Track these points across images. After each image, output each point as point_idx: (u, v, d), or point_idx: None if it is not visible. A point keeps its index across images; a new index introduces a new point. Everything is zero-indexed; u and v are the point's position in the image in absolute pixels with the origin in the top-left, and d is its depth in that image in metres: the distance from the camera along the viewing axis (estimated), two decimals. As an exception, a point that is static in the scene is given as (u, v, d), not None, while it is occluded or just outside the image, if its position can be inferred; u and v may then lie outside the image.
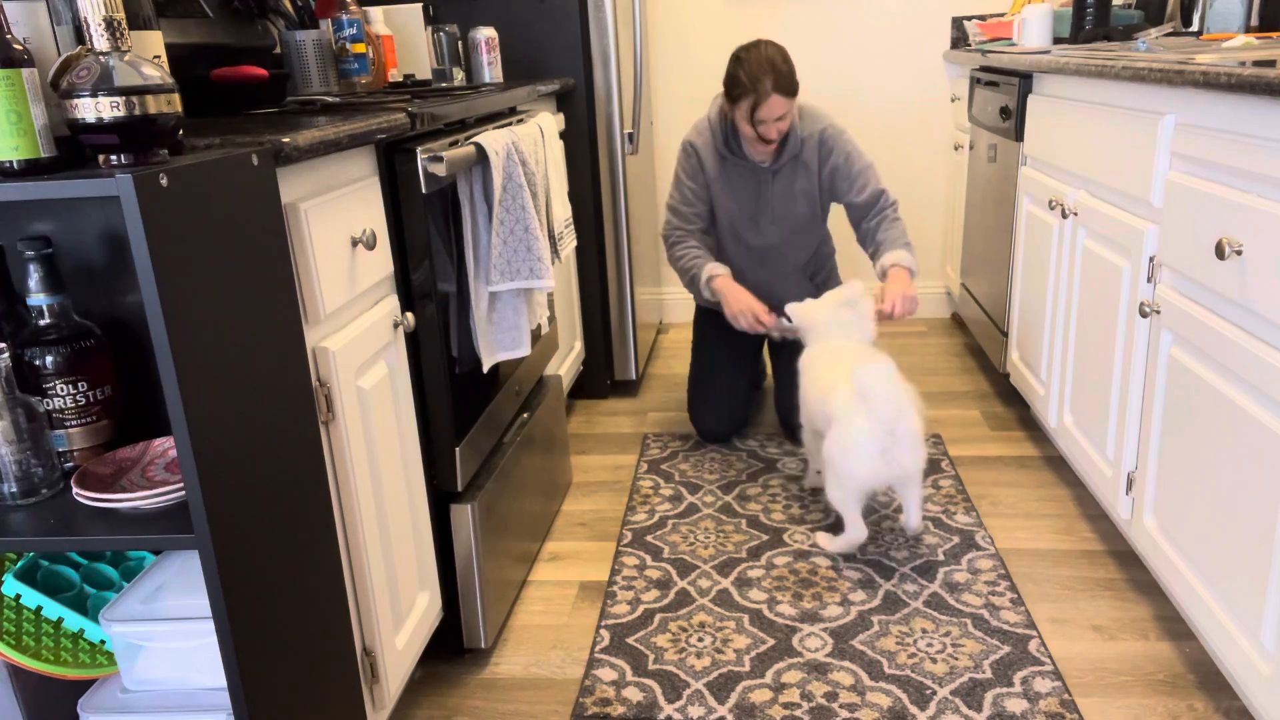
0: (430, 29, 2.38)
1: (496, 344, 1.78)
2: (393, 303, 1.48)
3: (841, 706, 1.57)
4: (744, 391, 2.62)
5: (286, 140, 1.11)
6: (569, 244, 2.12)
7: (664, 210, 2.60)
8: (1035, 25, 2.69)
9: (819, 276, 2.63)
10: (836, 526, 2.12)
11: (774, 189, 2.44)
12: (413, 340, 1.56)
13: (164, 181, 0.88)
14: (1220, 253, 1.37)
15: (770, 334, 2.41)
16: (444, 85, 2.23)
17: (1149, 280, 1.70)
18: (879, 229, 2.38)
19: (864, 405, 1.87)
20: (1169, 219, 1.60)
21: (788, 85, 2.24)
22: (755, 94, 2.22)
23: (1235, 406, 1.38)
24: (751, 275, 2.53)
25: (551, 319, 2.27)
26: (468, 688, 1.69)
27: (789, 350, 2.49)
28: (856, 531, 1.96)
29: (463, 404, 1.67)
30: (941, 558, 1.99)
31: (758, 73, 2.22)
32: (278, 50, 2.12)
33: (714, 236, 2.55)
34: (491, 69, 2.42)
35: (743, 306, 2.34)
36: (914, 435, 1.88)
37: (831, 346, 2.16)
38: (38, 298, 1.09)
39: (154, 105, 0.93)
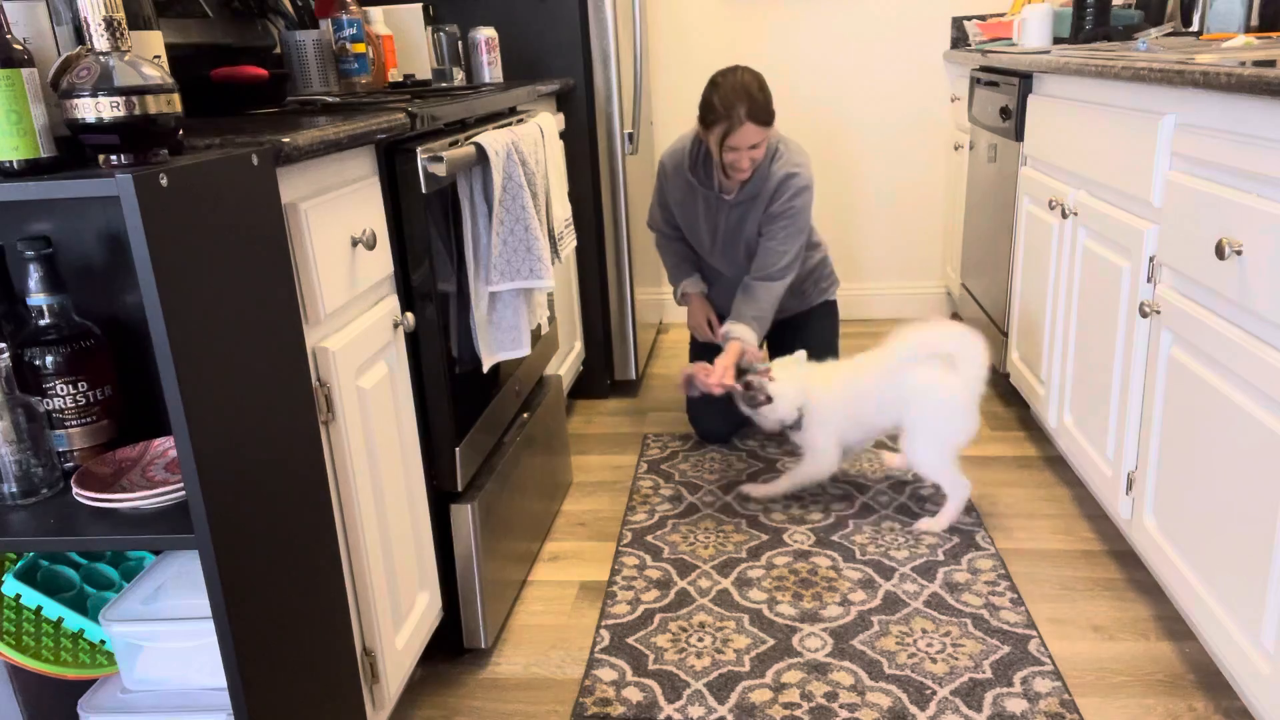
0: (430, 29, 2.38)
1: (496, 344, 1.78)
2: (393, 303, 1.48)
3: (841, 706, 1.57)
4: (744, 392, 2.62)
5: (286, 140, 1.11)
6: (569, 244, 2.12)
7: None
8: (1035, 25, 2.69)
9: (822, 284, 2.65)
10: (836, 527, 2.12)
11: (728, 221, 2.43)
12: (413, 340, 1.56)
13: (164, 181, 0.88)
14: (1220, 253, 1.37)
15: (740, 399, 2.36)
16: (444, 85, 2.23)
17: (1149, 280, 1.70)
18: (752, 286, 2.40)
19: (964, 363, 2.06)
20: (1169, 219, 1.60)
21: (762, 114, 2.20)
22: (728, 121, 2.20)
23: (1235, 406, 1.38)
24: (721, 286, 2.60)
25: (551, 319, 2.27)
26: (468, 688, 1.69)
27: (789, 350, 2.49)
28: (964, 488, 2.10)
29: (463, 404, 1.67)
30: (941, 558, 1.99)
31: (732, 99, 2.19)
32: (278, 50, 2.12)
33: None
34: (491, 69, 2.42)
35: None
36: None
37: (831, 366, 2.30)
38: (38, 298, 1.09)
39: (154, 105, 0.93)
